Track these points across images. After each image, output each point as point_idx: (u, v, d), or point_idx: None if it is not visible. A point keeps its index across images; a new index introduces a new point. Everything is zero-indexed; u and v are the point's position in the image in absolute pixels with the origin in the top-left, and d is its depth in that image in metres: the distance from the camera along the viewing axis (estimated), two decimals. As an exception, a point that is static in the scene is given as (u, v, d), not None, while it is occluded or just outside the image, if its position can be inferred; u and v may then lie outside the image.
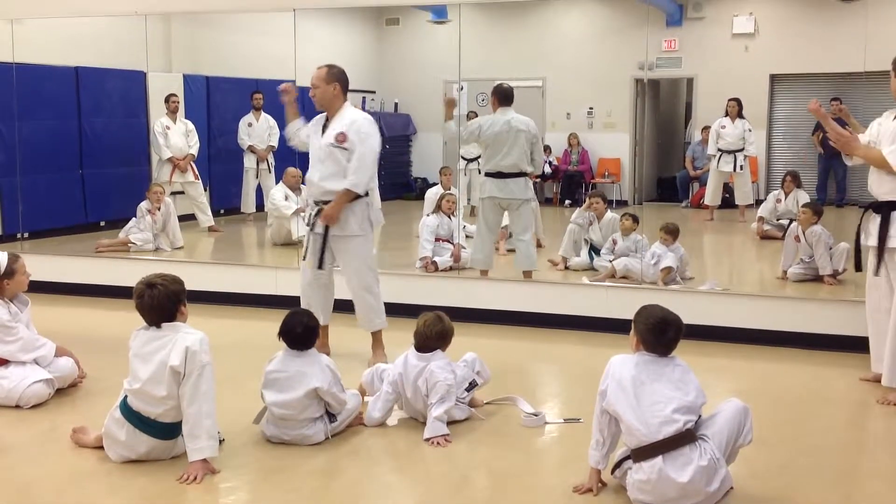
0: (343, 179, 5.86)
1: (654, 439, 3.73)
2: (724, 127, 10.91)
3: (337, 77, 5.92)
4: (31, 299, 5.49)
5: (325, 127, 5.98)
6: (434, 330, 4.88)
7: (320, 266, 6.05)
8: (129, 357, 4.31)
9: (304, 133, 6.18)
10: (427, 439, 4.64)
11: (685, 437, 3.74)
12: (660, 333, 3.88)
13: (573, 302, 7.28)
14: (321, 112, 6.05)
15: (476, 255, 7.96)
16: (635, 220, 8.51)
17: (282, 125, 10.33)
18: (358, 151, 5.83)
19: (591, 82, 13.06)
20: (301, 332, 4.67)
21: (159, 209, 9.62)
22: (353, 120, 5.92)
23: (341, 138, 5.86)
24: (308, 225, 6.08)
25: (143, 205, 9.61)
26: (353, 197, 5.87)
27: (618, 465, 3.98)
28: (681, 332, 3.92)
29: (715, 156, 10.92)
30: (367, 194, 5.99)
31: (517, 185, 7.66)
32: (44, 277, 7.37)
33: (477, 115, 11.77)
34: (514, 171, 7.65)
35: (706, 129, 11.85)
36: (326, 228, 5.95)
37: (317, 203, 6.00)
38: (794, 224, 8.24)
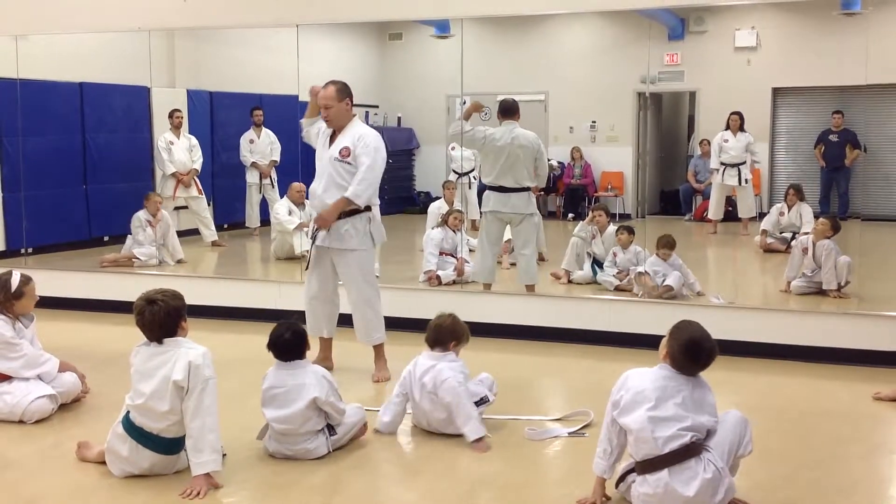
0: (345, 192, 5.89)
1: (660, 453, 3.74)
2: (726, 140, 10.92)
3: (346, 92, 5.95)
4: (35, 314, 5.50)
5: (331, 140, 6.00)
6: (446, 323, 4.98)
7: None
8: (131, 373, 4.31)
9: (314, 131, 6.17)
10: (475, 441, 4.70)
11: (690, 451, 3.74)
12: (693, 358, 3.84)
13: (576, 315, 7.27)
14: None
15: (478, 269, 7.99)
16: (631, 231, 8.52)
17: (282, 139, 10.33)
18: (365, 165, 5.84)
19: (594, 96, 13.08)
20: (290, 337, 4.65)
21: (159, 220, 9.61)
22: (361, 135, 5.93)
23: (345, 153, 5.87)
24: (311, 237, 6.09)
25: (141, 214, 9.58)
26: (349, 206, 5.86)
27: (622, 478, 3.97)
28: (713, 359, 3.87)
29: (718, 170, 10.92)
30: (369, 209, 6.01)
31: (520, 200, 7.66)
32: (48, 293, 7.35)
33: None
34: (515, 186, 7.65)
35: (703, 142, 11.87)
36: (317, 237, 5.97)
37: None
38: (805, 236, 8.21)
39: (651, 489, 3.76)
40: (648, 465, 3.77)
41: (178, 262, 9.68)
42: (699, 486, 3.69)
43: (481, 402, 5.03)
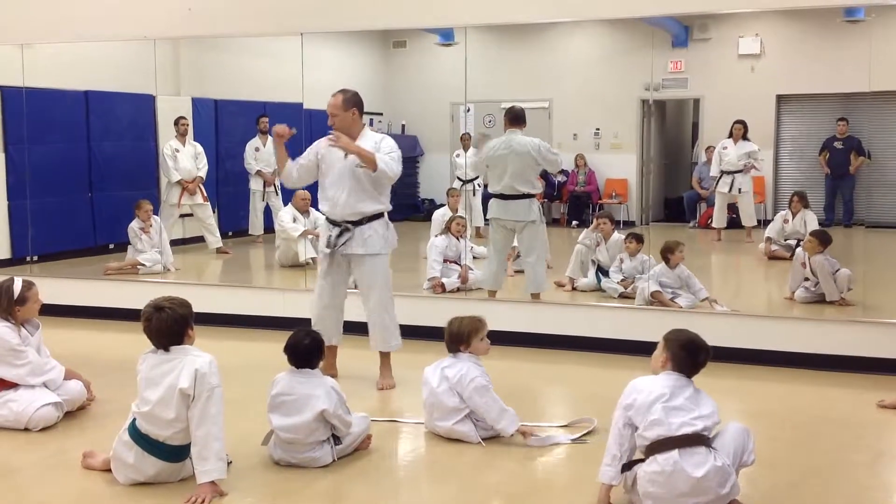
0: (372, 200, 5.92)
1: (672, 435, 3.82)
2: (725, 148, 10.92)
3: (354, 102, 5.94)
4: (40, 322, 5.52)
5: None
6: (448, 332, 5.08)
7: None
8: (138, 380, 4.33)
9: (294, 174, 6.15)
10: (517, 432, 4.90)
11: (701, 438, 3.84)
12: (693, 355, 3.99)
13: (580, 323, 7.28)
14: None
15: (484, 276, 8.01)
16: (639, 240, 8.50)
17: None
18: (390, 151, 5.89)
19: (598, 103, 13.08)
20: (308, 343, 4.68)
21: (151, 226, 9.68)
22: (378, 139, 5.99)
23: None
24: (329, 246, 6.02)
25: (134, 224, 9.66)
26: (374, 166, 5.77)
27: (628, 467, 3.99)
28: (708, 359, 4.04)
29: (718, 177, 10.92)
30: (382, 215, 6.03)
31: (520, 207, 7.66)
32: (53, 300, 7.38)
33: (471, 137, 11.88)
34: (514, 193, 7.65)
35: (709, 149, 11.86)
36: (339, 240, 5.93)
37: (337, 224, 5.98)
38: (801, 249, 8.22)
39: (660, 467, 3.82)
40: (659, 446, 3.84)
41: (172, 269, 9.74)
42: (708, 470, 3.77)
43: None
